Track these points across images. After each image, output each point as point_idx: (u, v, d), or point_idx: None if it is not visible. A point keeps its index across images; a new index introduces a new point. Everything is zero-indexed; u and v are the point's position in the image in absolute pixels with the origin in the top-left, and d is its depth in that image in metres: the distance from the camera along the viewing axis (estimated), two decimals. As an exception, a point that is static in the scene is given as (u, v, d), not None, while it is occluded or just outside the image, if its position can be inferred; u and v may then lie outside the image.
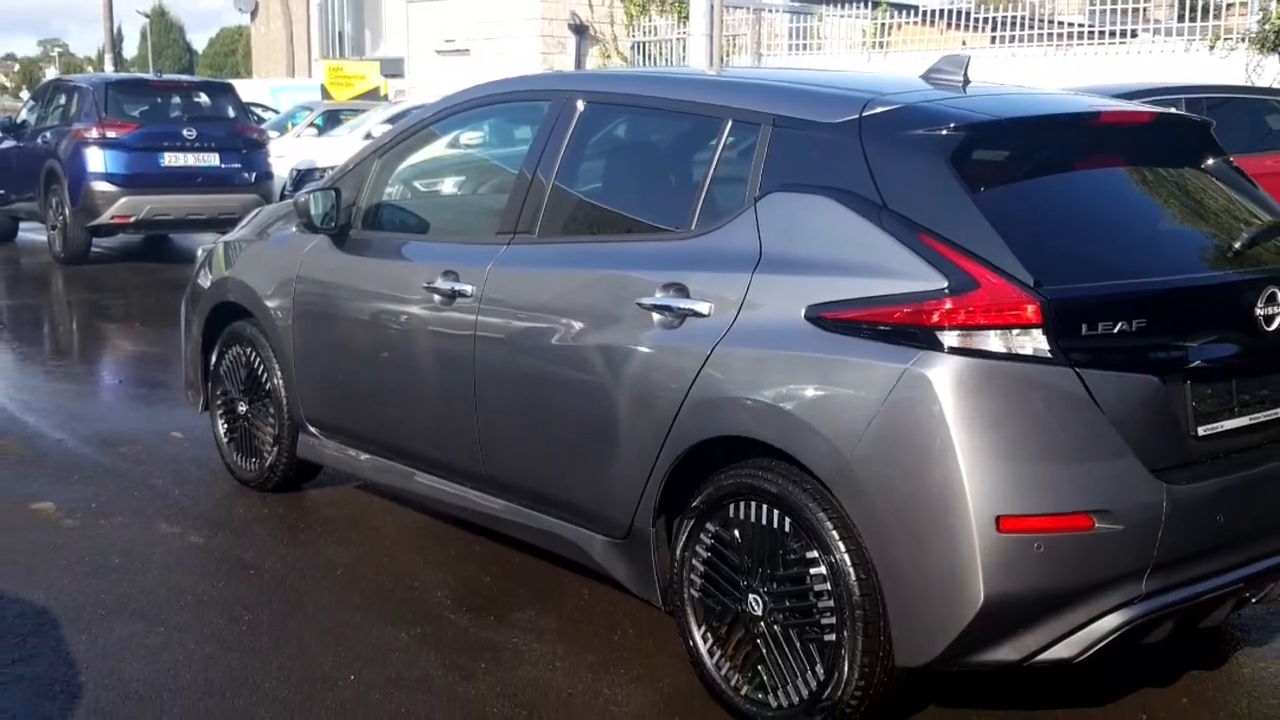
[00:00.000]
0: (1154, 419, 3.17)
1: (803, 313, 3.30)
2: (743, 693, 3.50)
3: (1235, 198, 3.78)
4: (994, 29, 17.36)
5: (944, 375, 3.05)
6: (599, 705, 3.63)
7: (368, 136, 16.73)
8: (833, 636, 3.26)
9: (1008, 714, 3.62)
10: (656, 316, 3.64)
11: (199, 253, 6.16)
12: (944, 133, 3.33)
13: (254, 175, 13.59)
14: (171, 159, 13.33)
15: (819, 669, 3.31)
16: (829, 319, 3.25)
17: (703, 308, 3.54)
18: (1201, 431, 3.27)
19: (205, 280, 5.72)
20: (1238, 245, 3.45)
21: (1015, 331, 3.05)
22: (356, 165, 5.03)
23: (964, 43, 18.63)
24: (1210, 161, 3.85)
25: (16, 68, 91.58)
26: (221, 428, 5.67)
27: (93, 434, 6.47)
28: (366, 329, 4.74)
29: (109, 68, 38.32)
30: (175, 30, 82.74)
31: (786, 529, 3.35)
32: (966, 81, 3.85)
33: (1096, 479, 3.06)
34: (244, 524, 5.15)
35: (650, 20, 20.43)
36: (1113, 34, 16.21)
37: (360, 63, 27.61)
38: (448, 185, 4.83)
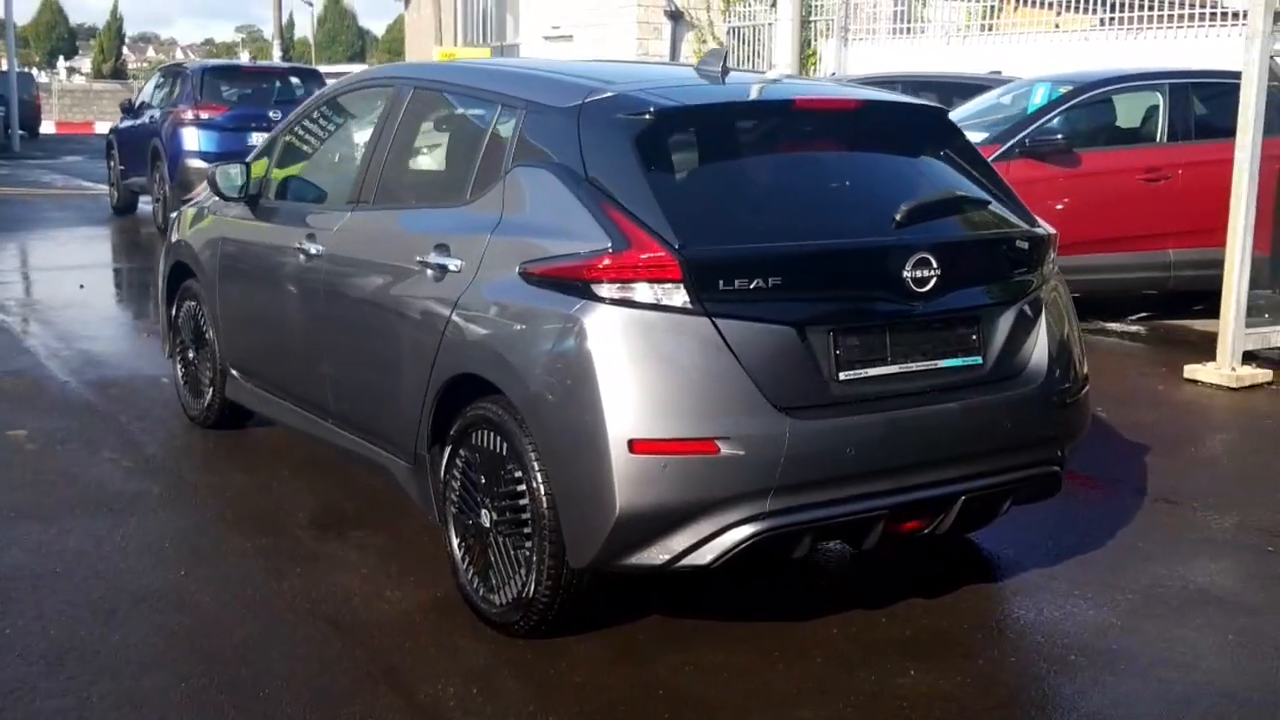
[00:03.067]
0: (789, 363, 3.65)
1: (516, 269, 3.89)
2: (480, 593, 4.10)
3: (941, 176, 4.22)
4: (1106, 10, 17.07)
5: (597, 321, 3.60)
6: (374, 604, 4.27)
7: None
8: (530, 544, 3.86)
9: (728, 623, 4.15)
10: (428, 271, 4.26)
11: (172, 217, 7.00)
12: (634, 117, 3.87)
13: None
14: (258, 139, 14.40)
15: (523, 571, 3.90)
16: (531, 274, 3.83)
17: (455, 264, 4.15)
18: (843, 376, 3.75)
19: (170, 242, 6.57)
20: (899, 216, 3.89)
21: (658, 285, 3.57)
22: (270, 141, 5.80)
23: (1057, 25, 18.56)
24: (936, 143, 4.31)
25: (210, 52, 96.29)
26: (179, 371, 6.51)
27: (97, 378, 7.40)
28: (262, 285, 5.49)
29: (276, 54, 40.85)
30: (349, 17, 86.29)
31: (504, 454, 3.94)
32: (725, 72, 4.36)
33: (723, 411, 3.56)
34: (175, 454, 5.96)
35: (747, 5, 20.85)
36: (1232, 15, 15.74)
37: (473, 49, 28.77)
38: (326, 159, 5.55)
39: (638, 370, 3.57)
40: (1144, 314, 9.88)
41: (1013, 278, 4.15)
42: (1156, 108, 9.78)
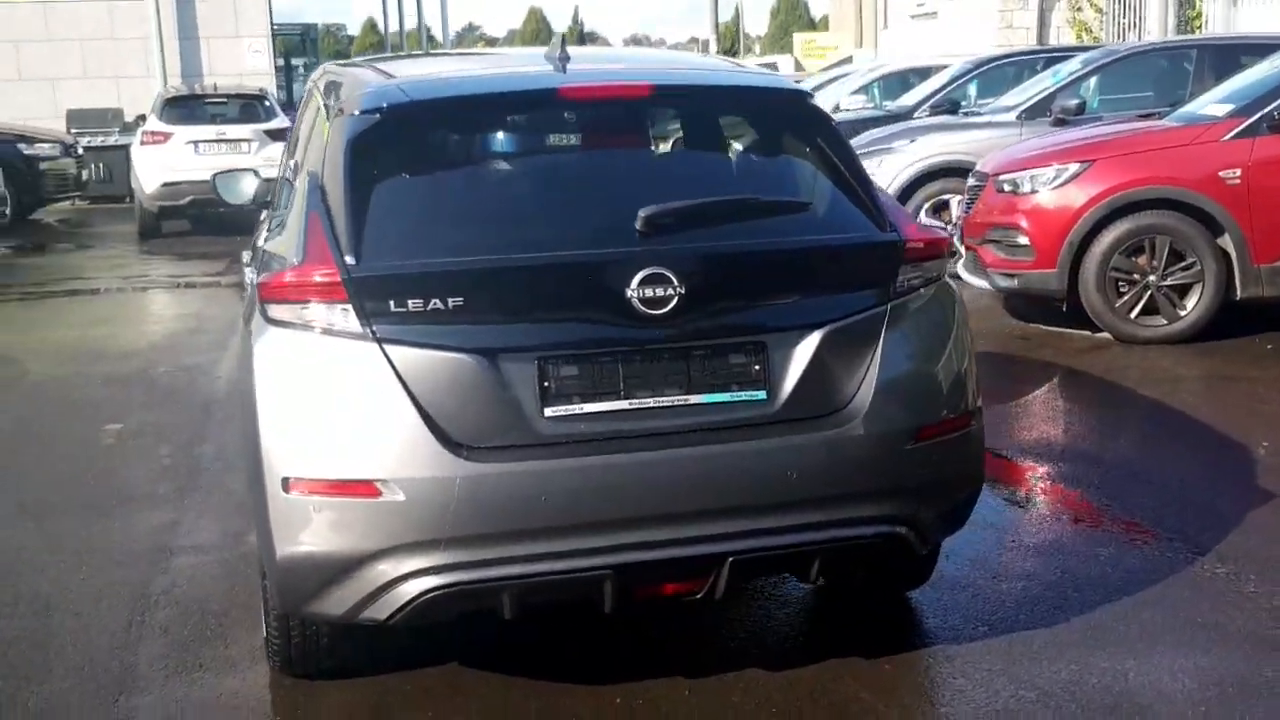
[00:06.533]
0: (476, 397, 3.14)
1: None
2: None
3: (751, 176, 3.51)
4: None
5: (263, 344, 3.27)
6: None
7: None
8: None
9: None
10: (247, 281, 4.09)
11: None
12: (366, 116, 3.45)
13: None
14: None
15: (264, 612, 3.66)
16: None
17: (249, 276, 3.95)
18: (549, 413, 3.19)
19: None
20: (640, 224, 3.23)
21: (327, 306, 3.19)
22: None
23: None
24: (767, 135, 3.58)
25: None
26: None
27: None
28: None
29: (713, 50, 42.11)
30: (800, 6, 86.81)
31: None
32: (565, 59, 3.82)
33: (386, 451, 3.12)
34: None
35: (1126, -31, 18.88)
36: None
37: (835, 33, 27.81)
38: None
39: (297, 401, 3.21)
40: None
41: (828, 294, 3.38)
42: None
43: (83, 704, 3.59)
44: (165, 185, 14.91)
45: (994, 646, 3.76)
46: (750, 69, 4.00)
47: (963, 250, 8.44)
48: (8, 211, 15.55)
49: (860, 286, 3.42)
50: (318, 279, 3.20)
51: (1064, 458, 5.57)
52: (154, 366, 8.05)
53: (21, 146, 16.99)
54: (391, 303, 3.16)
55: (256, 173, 5.64)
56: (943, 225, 10.14)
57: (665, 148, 3.62)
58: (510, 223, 3.39)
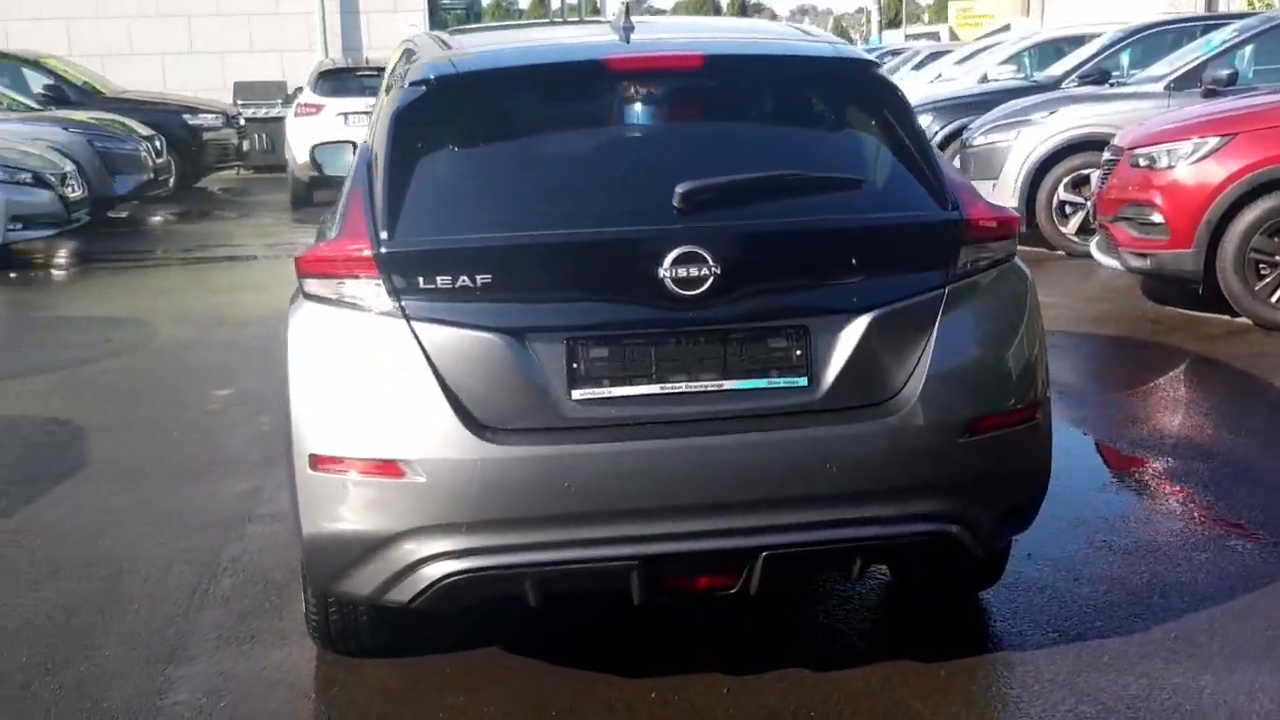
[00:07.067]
0: (503, 377, 3.05)
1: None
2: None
3: (808, 149, 3.32)
4: None
5: (298, 320, 3.25)
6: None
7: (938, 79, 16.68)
8: (304, 560, 3.58)
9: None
10: None
11: None
12: (414, 89, 3.38)
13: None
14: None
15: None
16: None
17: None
18: (576, 395, 3.08)
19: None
20: (678, 201, 3.08)
21: (359, 281, 3.13)
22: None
23: None
24: (826, 106, 3.39)
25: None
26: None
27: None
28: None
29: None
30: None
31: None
32: (629, 29, 3.69)
33: (411, 430, 3.06)
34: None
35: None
36: None
37: (997, 0, 26.74)
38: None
39: (325, 377, 3.18)
40: None
41: (879, 276, 3.18)
42: None
43: (130, 672, 3.64)
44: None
45: (1061, 655, 3.53)
46: (820, 38, 3.80)
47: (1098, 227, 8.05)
48: (171, 181, 16.12)
49: (915, 268, 3.22)
50: (349, 253, 3.16)
51: (1175, 452, 5.23)
52: (275, 334, 8.20)
53: (186, 117, 17.59)
54: (420, 279, 3.09)
55: (355, 144, 5.66)
56: (1082, 200, 9.70)
57: (720, 121, 3.46)
58: (547, 198, 3.28)
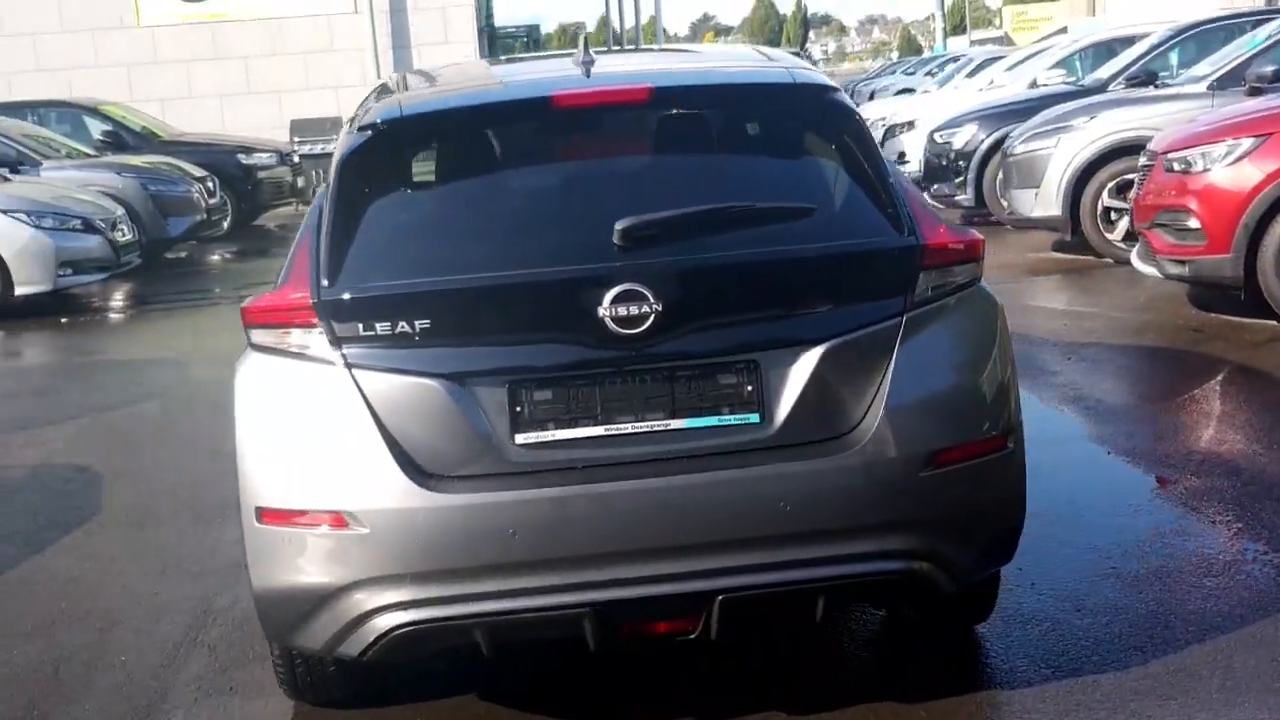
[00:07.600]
0: (443, 423, 2.99)
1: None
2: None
3: (759, 181, 3.23)
4: None
5: (244, 371, 3.22)
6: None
7: (990, 85, 16.37)
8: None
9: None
10: None
11: None
12: (361, 133, 3.34)
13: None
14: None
15: (271, 639, 3.58)
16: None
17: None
18: (519, 440, 3.00)
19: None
20: (618, 238, 3.00)
21: (300, 330, 3.11)
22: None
23: None
24: (781, 137, 3.31)
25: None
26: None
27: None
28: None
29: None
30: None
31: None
32: (589, 63, 3.61)
33: (353, 480, 3.01)
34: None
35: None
36: None
37: (1057, 3, 26.16)
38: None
39: (271, 428, 3.15)
40: None
41: (832, 307, 3.08)
42: None
43: (105, 726, 3.63)
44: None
45: (1051, 692, 3.38)
46: (780, 62, 3.69)
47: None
48: (226, 221, 16.34)
49: (870, 297, 3.10)
50: (290, 302, 3.13)
51: (1201, 470, 5.01)
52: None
53: (240, 157, 17.84)
54: (360, 326, 3.04)
55: None
56: (1126, 206, 9.43)
57: (668, 154, 3.38)
58: (489, 240, 3.21)
